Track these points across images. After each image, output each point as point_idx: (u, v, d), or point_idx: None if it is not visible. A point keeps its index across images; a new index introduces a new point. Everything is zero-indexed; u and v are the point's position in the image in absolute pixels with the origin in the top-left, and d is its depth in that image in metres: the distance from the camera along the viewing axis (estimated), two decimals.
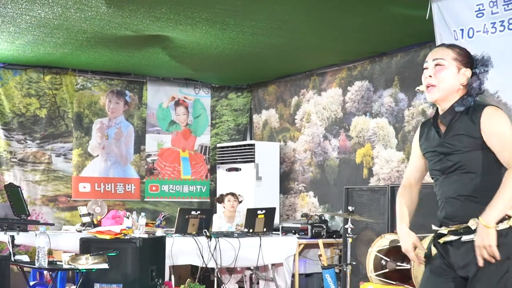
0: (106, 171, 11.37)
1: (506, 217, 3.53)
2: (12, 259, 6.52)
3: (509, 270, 3.53)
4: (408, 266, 6.63)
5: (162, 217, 9.76)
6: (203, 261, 8.21)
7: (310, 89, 11.18)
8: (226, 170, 11.62)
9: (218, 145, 12.04)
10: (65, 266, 6.25)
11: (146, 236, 7.45)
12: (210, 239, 8.29)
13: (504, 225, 3.53)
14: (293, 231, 9.58)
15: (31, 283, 7.31)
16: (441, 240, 3.76)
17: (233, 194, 9.69)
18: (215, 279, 8.78)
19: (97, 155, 11.34)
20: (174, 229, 8.54)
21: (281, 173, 11.59)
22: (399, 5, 7.40)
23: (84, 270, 6.35)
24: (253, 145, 11.32)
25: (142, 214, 8.29)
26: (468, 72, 3.77)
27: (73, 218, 10.72)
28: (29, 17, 7.98)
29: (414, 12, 7.45)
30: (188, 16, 8.02)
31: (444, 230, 3.76)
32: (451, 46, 3.85)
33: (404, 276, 6.77)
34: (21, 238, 7.70)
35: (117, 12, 7.81)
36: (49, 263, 6.28)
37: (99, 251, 6.50)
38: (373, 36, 8.77)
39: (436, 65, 3.77)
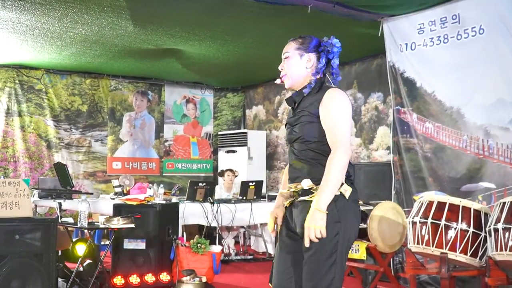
0: (133, 152, 11.31)
1: None
2: (60, 221, 6.45)
3: (339, 233, 3.03)
4: (364, 226, 6.56)
5: (177, 188, 9.69)
6: (208, 221, 8.16)
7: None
8: (225, 152, 11.58)
9: (219, 133, 11.99)
10: (101, 226, 6.20)
11: (164, 202, 7.39)
12: (213, 205, 8.24)
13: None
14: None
15: (74, 240, 7.25)
16: (287, 203, 3.32)
17: (231, 170, 9.65)
18: (217, 235, 8.74)
19: (127, 140, 11.28)
20: (185, 197, 8.49)
21: (267, 154, 11.55)
22: (358, 25, 7.34)
23: (116, 229, 6.30)
24: (246, 133, 11.31)
25: (161, 185, 8.22)
26: (312, 56, 3.30)
27: (108, 188, 10.67)
28: (73, 33, 7.89)
29: (369, 30, 7.39)
30: (195, 34, 7.95)
31: (286, 192, 3.33)
32: (295, 39, 3.39)
33: (361, 234, 6.72)
34: (67, 204, 7.65)
35: (141, 30, 7.74)
36: (89, 223, 6.22)
37: (127, 214, 6.45)
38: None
39: (285, 58, 3.35)
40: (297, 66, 3.31)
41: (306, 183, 3.14)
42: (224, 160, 11.55)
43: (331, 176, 3.01)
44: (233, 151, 11.43)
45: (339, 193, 3.07)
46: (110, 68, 10.42)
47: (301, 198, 3.17)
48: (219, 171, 10.36)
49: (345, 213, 3.08)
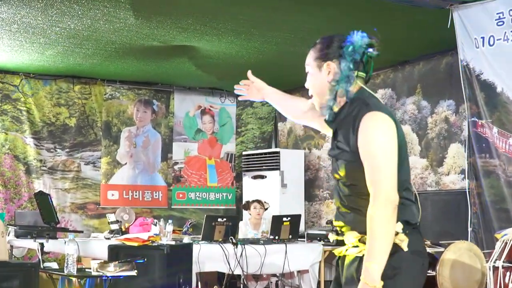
0: (134, 179, 11.41)
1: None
2: (42, 266, 6.54)
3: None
4: (432, 273, 6.55)
5: (189, 224, 9.75)
6: (230, 267, 8.19)
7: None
8: (252, 177, 11.62)
9: (244, 152, 12.05)
10: (94, 273, 6.24)
11: (173, 243, 7.45)
12: (236, 246, 8.27)
13: None
14: (318, 238, 9.53)
15: None
16: (337, 253, 3.39)
17: (259, 201, 9.67)
18: (241, 286, 8.76)
19: (125, 163, 11.38)
20: (200, 236, 8.53)
21: (306, 180, 11.56)
22: (421, 13, 7.37)
23: (112, 277, 6.36)
24: (278, 152, 11.32)
25: (169, 221, 8.29)
26: (332, 64, 3.24)
27: (101, 225, 10.76)
28: (59, 28, 8.03)
29: (436, 20, 7.41)
30: (213, 27, 8.03)
31: (334, 237, 3.41)
32: (313, 45, 3.35)
33: (429, 283, 6.70)
34: (50, 245, 7.71)
35: (144, 23, 7.84)
36: (78, 270, 6.29)
37: (127, 258, 6.50)
38: (396, 44, 8.74)
39: (307, 73, 3.36)
40: (318, 82, 3.32)
41: (351, 238, 3.22)
42: (251, 188, 11.60)
43: (376, 243, 3.04)
44: (262, 177, 11.47)
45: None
46: (105, 71, 10.55)
47: (350, 252, 3.26)
48: (243, 202, 10.39)
49: (402, 268, 3.13)
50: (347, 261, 3.30)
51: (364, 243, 3.13)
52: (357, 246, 3.21)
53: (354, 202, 3.21)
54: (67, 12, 7.42)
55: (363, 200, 3.14)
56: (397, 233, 3.11)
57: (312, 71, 3.32)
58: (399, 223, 3.12)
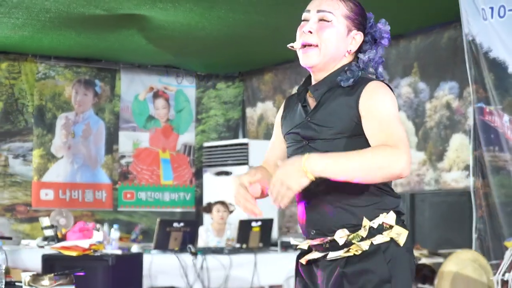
0: (72, 175, 11.39)
1: (385, 226, 3.16)
2: None
3: None
4: None
5: (139, 230, 9.76)
6: (188, 282, 8.21)
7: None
8: (215, 174, 11.64)
9: (205, 144, 12.07)
10: None
11: (119, 252, 7.45)
12: (196, 256, 8.30)
13: (383, 238, 3.16)
14: (295, 247, 9.58)
15: None
16: (303, 260, 3.39)
17: (222, 203, 9.70)
18: None
19: (62, 157, 11.35)
20: (152, 245, 8.55)
21: None
22: None
23: None
24: (246, 144, 11.34)
25: (115, 226, 8.29)
26: (359, 36, 3.33)
27: (33, 231, 10.73)
28: None
29: None
30: None
31: (305, 244, 3.40)
32: None
33: None
34: None
35: None
36: (6, 284, 6.27)
37: (64, 270, 6.50)
38: (388, 15, 8.77)
39: (321, 19, 3.28)
40: (339, 41, 3.30)
41: (340, 235, 3.20)
42: (213, 187, 11.62)
43: (360, 158, 2.99)
44: (227, 173, 11.49)
45: (388, 238, 3.17)
46: (37, 46, 10.52)
47: (332, 256, 3.24)
48: (204, 204, 10.41)
49: (398, 268, 3.17)
50: (324, 270, 3.28)
51: (355, 243, 3.15)
52: (342, 248, 3.20)
53: (338, 193, 3.18)
54: None
55: (350, 190, 3.14)
56: (391, 226, 3.16)
57: (338, 26, 3.28)
58: (391, 212, 3.18)
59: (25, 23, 9.22)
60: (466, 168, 8.75)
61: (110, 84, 11.77)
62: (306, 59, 3.30)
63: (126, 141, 11.88)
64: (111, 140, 11.76)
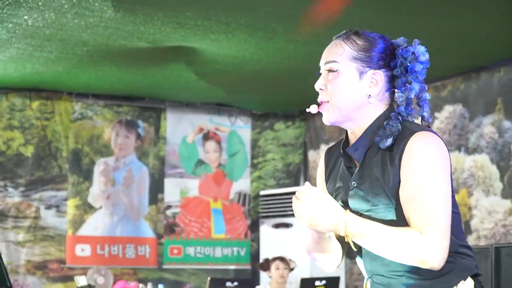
0: (112, 228, 11.46)
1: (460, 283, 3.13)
2: None
3: None
4: None
5: None
6: None
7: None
8: (273, 226, 11.65)
9: (262, 192, 12.11)
10: None
11: None
12: None
13: None
14: None
15: None
16: None
17: (282, 259, 9.71)
18: None
19: (100, 207, 11.44)
20: None
21: None
22: (503, 3, 7.42)
23: None
24: None
25: (160, 286, 8.35)
26: (378, 75, 3.25)
27: None
28: (12, 25, 8.09)
29: None
30: (221, 22, 8.09)
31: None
32: (349, 36, 3.31)
33: None
34: None
35: (127, 17, 7.90)
36: None
37: None
38: (469, 45, 8.77)
39: (329, 71, 3.27)
40: (350, 90, 3.26)
41: None
42: (271, 241, 11.64)
43: (391, 235, 3.06)
44: (287, 225, 11.50)
45: None
46: (73, 82, 10.64)
47: None
48: (261, 261, 10.43)
49: None
50: None
51: None
52: None
53: (404, 265, 3.17)
54: (24, 2, 7.49)
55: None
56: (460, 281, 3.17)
57: (345, 73, 3.24)
58: (469, 279, 3.18)
59: (59, 58, 9.32)
60: None
61: (155, 125, 11.85)
62: (324, 117, 3.30)
63: (172, 189, 11.93)
64: (156, 189, 11.82)
